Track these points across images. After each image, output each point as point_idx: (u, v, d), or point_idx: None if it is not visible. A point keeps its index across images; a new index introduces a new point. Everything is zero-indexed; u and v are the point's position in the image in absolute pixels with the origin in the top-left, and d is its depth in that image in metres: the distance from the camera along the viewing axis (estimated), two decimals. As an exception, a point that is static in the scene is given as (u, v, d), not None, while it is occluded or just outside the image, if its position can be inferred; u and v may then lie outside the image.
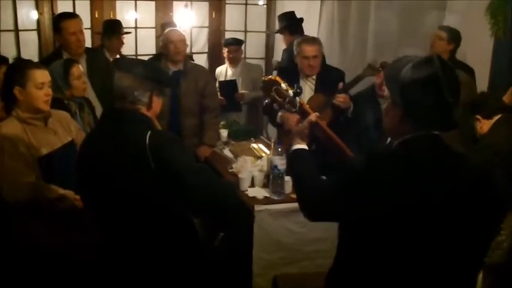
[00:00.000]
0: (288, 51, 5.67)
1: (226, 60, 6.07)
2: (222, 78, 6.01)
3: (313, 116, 2.29)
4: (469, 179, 1.90)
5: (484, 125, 3.22)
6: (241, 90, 5.85)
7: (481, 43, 4.53)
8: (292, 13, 5.96)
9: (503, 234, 0.57)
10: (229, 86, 5.80)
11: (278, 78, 2.40)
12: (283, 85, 2.36)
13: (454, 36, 4.62)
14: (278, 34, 7.02)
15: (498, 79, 4.11)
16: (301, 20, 5.94)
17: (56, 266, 2.93)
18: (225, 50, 6.06)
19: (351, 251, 2.00)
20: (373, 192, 1.81)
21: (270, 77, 2.42)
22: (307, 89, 4.29)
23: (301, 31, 5.80)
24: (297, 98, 2.34)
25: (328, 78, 4.26)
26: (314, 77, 4.32)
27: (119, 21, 5.83)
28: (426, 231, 1.82)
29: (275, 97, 2.37)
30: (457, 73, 1.93)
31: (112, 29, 5.55)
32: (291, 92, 2.35)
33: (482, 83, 4.27)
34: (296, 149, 2.22)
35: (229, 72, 6.00)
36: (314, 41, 4.38)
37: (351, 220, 1.94)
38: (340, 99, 3.99)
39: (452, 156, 1.93)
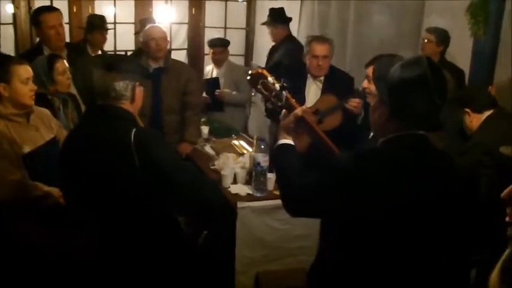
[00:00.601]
0: (284, 48, 5.64)
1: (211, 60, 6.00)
2: (206, 77, 5.97)
3: (299, 110, 2.27)
4: (452, 179, 1.92)
5: (474, 120, 3.19)
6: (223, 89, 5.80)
7: (460, 43, 4.59)
8: (282, 8, 5.94)
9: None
10: (212, 83, 5.75)
11: (265, 72, 2.38)
12: (270, 78, 2.34)
13: (443, 38, 4.65)
14: (258, 31, 7.06)
15: (477, 79, 4.16)
16: (290, 18, 5.97)
17: (42, 264, 2.90)
18: (210, 51, 5.93)
19: (333, 248, 2.01)
20: (355, 189, 1.81)
21: (257, 69, 2.41)
22: (314, 90, 4.23)
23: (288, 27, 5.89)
24: (284, 92, 2.33)
25: (337, 82, 4.15)
26: (322, 78, 4.22)
27: (103, 16, 5.76)
28: (406, 229, 1.83)
29: (261, 90, 2.35)
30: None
31: (96, 24, 5.48)
32: (277, 85, 2.33)
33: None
34: (281, 144, 2.20)
35: (215, 72, 5.94)
36: (325, 40, 4.22)
37: (333, 217, 1.95)
38: (354, 103, 3.77)
39: (436, 156, 1.94)
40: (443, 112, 1.89)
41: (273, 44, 5.94)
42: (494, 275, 0.72)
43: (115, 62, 2.39)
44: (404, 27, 5.36)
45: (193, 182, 2.35)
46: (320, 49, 4.12)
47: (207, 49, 7.00)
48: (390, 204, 1.80)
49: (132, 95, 2.39)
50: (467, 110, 3.21)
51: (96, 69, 2.38)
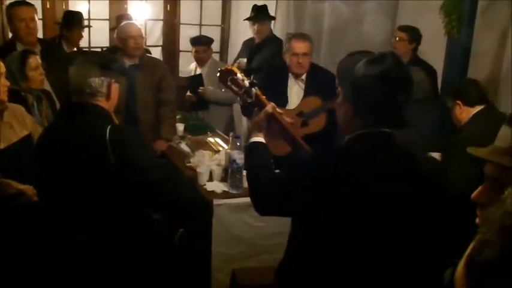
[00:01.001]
0: (270, 47, 5.57)
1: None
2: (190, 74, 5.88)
3: (269, 107, 2.27)
4: (415, 177, 1.91)
5: (464, 112, 3.23)
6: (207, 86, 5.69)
7: (434, 41, 4.64)
8: (266, 5, 5.91)
9: (487, 232, 0.58)
10: (195, 81, 5.66)
11: (234, 68, 2.40)
12: (239, 75, 2.35)
13: (415, 35, 4.70)
14: (233, 28, 7.05)
15: (452, 77, 4.22)
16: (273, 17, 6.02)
17: (15, 263, 2.86)
18: (192, 49, 5.77)
19: (301, 246, 2.01)
20: (320, 188, 1.81)
21: (227, 66, 2.42)
22: (297, 89, 4.22)
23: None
24: (253, 88, 2.33)
25: (319, 80, 4.11)
26: (304, 77, 4.21)
27: (81, 13, 5.68)
28: (371, 227, 1.83)
29: (231, 87, 2.36)
30: (414, 72, 1.97)
31: (74, 21, 5.38)
32: (246, 82, 2.34)
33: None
34: (252, 142, 2.20)
35: (198, 70, 5.85)
36: (305, 37, 4.19)
37: (299, 216, 1.96)
38: None
39: (399, 153, 1.94)
40: (417, 109, 1.90)
41: (247, 39, 5.94)
42: (460, 269, 0.73)
43: (91, 59, 2.37)
44: (378, 25, 5.41)
45: (168, 179, 2.34)
46: (300, 46, 4.10)
47: (182, 46, 7.01)
48: (349, 201, 1.80)
49: (107, 92, 2.38)
50: (459, 102, 3.25)
51: (72, 65, 2.36)
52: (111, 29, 6.00)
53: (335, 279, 1.90)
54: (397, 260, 1.90)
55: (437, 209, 1.94)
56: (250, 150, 2.19)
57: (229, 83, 2.35)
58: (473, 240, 0.72)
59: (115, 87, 2.42)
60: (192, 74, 5.86)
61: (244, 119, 5.32)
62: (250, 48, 5.91)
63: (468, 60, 4.20)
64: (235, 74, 2.36)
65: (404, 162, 1.93)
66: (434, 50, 4.67)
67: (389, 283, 1.91)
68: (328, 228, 1.86)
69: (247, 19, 5.83)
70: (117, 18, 6.01)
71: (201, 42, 5.71)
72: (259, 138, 2.20)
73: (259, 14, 5.74)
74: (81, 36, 5.47)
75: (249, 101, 2.35)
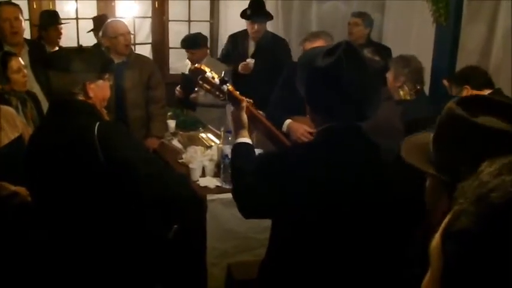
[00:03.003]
0: (279, 44, 5.50)
1: None
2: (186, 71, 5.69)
3: (244, 103, 2.26)
4: (377, 170, 1.88)
5: None
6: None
7: (423, 29, 4.66)
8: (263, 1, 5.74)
9: (464, 202, 0.59)
10: (189, 81, 5.41)
11: (203, 67, 2.36)
12: (209, 73, 2.33)
13: (369, 20, 4.91)
14: (222, 24, 7.03)
15: (440, 64, 4.24)
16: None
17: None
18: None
19: (277, 243, 2.02)
20: (284, 186, 1.81)
21: (196, 65, 2.40)
22: None
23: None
24: (225, 85, 2.31)
25: None
26: None
27: (55, 11, 5.65)
28: (335, 221, 1.82)
29: (203, 85, 2.34)
30: (368, 53, 1.90)
31: (49, 20, 5.36)
32: (217, 80, 2.32)
33: (425, 69, 4.39)
34: (236, 143, 2.18)
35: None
36: (316, 36, 4.03)
37: (275, 216, 1.96)
38: None
39: (361, 147, 1.90)
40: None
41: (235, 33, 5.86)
42: (435, 241, 0.73)
43: (60, 63, 2.32)
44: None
45: (159, 174, 2.33)
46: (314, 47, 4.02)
47: (171, 43, 6.99)
48: (314, 196, 1.79)
49: (85, 94, 2.33)
50: (467, 86, 3.28)
51: (51, 66, 2.33)
52: (91, 30, 5.87)
53: (313, 276, 1.89)
54: (372, 252, 1.88)
55: (399, 201, 1.88)
56: (232, 152, 2.18)
57: (200, 82, 2.33)
58: (449, 213, 0.72)
59: (95, 85, 2.37)
60: (188, 69, 5.67)
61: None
62: (244, 45, 5.71)
63: (457, 48, 4.23)
64: (205, 73, 2.33)
65: (370, 155, 1.89)
66: (423, 40, 4.69)
67: (364, 280, 1.90)
68: (300, 226, 1.85)
69: (245, 17, 5.56)
70: (96, 20, 5.82)
71: (190, 46, 5.36)
72: (244, 139, 2.17)
73: (258, 12, 5.48)
74: (59, 34, 5.41)
75: (221, 98, 2.33)
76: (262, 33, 5.59)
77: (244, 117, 2.21)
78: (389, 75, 3.83)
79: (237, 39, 5.82)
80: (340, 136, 1.86)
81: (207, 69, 2.33)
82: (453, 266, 0.69)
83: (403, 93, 3.77)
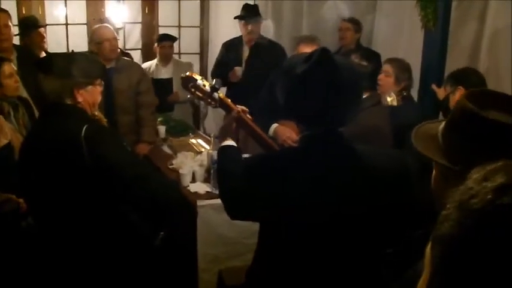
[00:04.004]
0: (276, 49, 5.46)
1: (157, 56, 5.92)
2: (152, 75, 5.79)
3: (235, 112, 2.27)
4: (359, 174, 1.87)
5: None
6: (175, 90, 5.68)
7: (412, 35, 4.70)
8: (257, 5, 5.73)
9: (449, 207, 0.61)
10: (164, 84, 5.62)
11: (194, 74, 2.37)
12: (200, 81, 2.33)
13: (359, 25, 4.97)
14: (212, 29, 7.04)
15: (429, 69, 4.27)
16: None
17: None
18: (157, 47, 5.87)
19: (263, 246, 2.03)
20: (266, 191, 1.82)
21: (187, 73, 2.40)
22: None
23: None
24: (215, 93, 2.32)
25: None
26: None
27: (33, 16, 5.60)
28: (319, 225, 1.82)
29: (196, 93, 2.34)
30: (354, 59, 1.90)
31: (28, 25, 5.30)
32: (208, 87, 2.33)
33: (414, 74, 4.41)
34: (222, 146, 2.18)
35: (161, 69, 5.85)
36: (314, 40, 4.02)
37: (260, 220, 1.97)
38: None
39: (344, 152, 1.90)
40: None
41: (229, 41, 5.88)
42: (428, 245, 0.75)
43: (49, 68, 2.32)
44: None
45: (146, 178, 2.33)
46: (308, 51, 3.99)
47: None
48: (296, 205, 1.79)
49: (72, 98, 2.33)
50: (460, 87, 3.31)
51: (42, 70, 2.33)
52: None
53: (299, 281, 1.89)
54: (358, 256, 1.89)
55: (378, 203, 1.88)
56: (220, 155, 2.18)
57: (192, 90, 2.34)
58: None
59: (84, 91, 2.37)
60: (154, 74, 5.79)
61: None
62: (238, 51, 5.61)
63: (446, 53, 4.26)
64: (196, 80, 2.33)
65: (351, 160, 1.89)
66: (413, 44, 4.73)
67: (352, 279, 1.90)
68: (285, 229, 1.85)
69: (239, 18, 5.48)
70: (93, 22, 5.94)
71: (169, 38, 5.87)
72: (230, 142, 2.18)
73: (252, 13, 5.44)
74: (43, 38, 5.35)
75: (213, 105, 2.33)
76: (257, 37, 5.46)
77: (231, 123, 2.22)
78: (388, 79, 3.87)
79: (232, 46, 5.70)
80: (319, 142, 1.87)
81: (198, 77, 2.34)
82: (437, 270, 0.70)
83: (391, 100, 3.79)
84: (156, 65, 5.90)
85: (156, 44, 5.98)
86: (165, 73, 5.86)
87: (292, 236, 1.85)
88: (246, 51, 5.56)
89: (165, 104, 5.55)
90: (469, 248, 0.64)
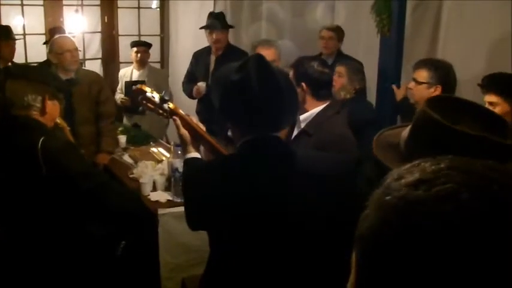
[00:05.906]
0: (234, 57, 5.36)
1: (133, 62, 5.90)
2: (127, 79, 5.84)
3: (179, 120, 2.26)
4: (297, 180, 1.88)
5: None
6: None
7: (368, 41, 4.78)
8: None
9: (368, 208, 0.62)
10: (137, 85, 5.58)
11: (144, 87, 2.37)
12: (149, 93, 2.33)
13: (342, 34, 4.98)
14: (173, 38, 7.03)
15: (385, 74, 4.34)
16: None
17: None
18: (132, 51, 5.85)
19: (214, 255, 2.02)
20: (209, 198, 1.84)
21: (138, 86, 2.41)
22: None
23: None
24: (164, 104, 2.33)
25: None
26: None
27: (8, 26, 5.54)
28: (261, 233, 1.83)
29: (147, 105, 2.35)
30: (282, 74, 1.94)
31: (3, 35, 5.24)
32: (157, 99, 2.34)
33: (371, 78, 4.50)
34: (186, 160, 2.19)
35: (135, 74, 5.86)
36: (270, 43, 4.06)
37: (211, 228, 1.96)
38: None
39: (282, 156, 1.91)
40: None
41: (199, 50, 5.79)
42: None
43: (23, 73, 2.34)
44: (314, 25, 5.49)
45: (101, 188, 2.34)
46: (266, 54, 3.98)
47: (122, 57, 6.95)
48: (237, 213, 1.81)
49: (42, 107, 2.35)
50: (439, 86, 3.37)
51: (5, 80, 2.33)
52: (46, 42, 5.83)
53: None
54: (305, 261, 1.89)
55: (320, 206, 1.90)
56: (183, 168, 2.19)
57: (144, 102, 2.35)
58: None
59: (52, 104, 2.39)
60: (128, 78, 5.83)
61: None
62: (206, 61, 5.46)
63: (401, 59, 4.34)
64: (145, 92, 2.34)
65: (290, 164, 1.90)
66: (369, 49, 4.81)
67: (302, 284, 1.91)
68: (226, 239, 1.87)
69: (204, 27, 5.34)
70: (51, 31, 5.89)
71: (142, 43, 5.98)
72: (192, 154, 2.19)
73: (218, 22, 5.28)
74: (13, 50, 5.29)
75: (165, 116, 2.34)
76: (224, 44, 5.30)
77: (186, 133, 2.23)
78: (341, 79, 4.07)
79: (201, 55, 5.54)
80: (257, 148, 1.89)
81: (148, 89, 2.33)
82: (359, 268, 0.72)
83: (344, 94, 4.01)
84: (132, 70, 5.94)
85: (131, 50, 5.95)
86: (139, 77, 5.84)
87: (234, 245, 1.86)
88: (212, 62, 5.39)
89: (135, 106, 5.40)
90: (383, 243, 0.66)
